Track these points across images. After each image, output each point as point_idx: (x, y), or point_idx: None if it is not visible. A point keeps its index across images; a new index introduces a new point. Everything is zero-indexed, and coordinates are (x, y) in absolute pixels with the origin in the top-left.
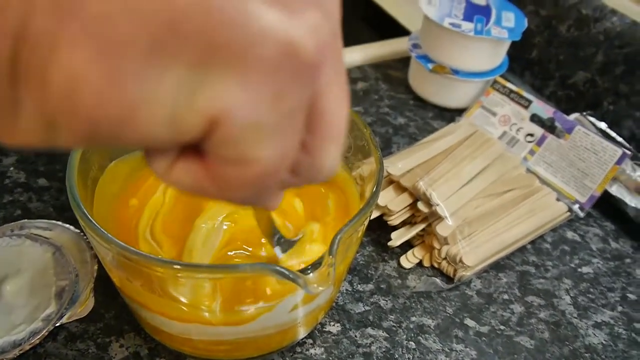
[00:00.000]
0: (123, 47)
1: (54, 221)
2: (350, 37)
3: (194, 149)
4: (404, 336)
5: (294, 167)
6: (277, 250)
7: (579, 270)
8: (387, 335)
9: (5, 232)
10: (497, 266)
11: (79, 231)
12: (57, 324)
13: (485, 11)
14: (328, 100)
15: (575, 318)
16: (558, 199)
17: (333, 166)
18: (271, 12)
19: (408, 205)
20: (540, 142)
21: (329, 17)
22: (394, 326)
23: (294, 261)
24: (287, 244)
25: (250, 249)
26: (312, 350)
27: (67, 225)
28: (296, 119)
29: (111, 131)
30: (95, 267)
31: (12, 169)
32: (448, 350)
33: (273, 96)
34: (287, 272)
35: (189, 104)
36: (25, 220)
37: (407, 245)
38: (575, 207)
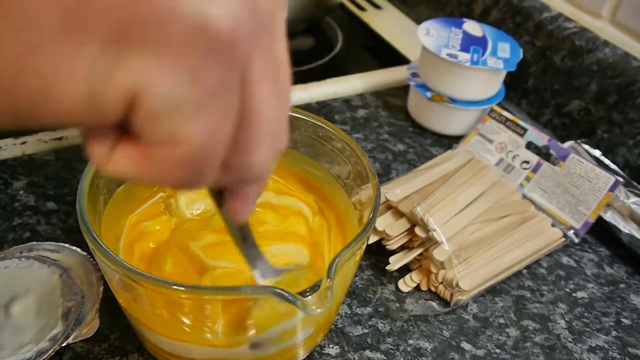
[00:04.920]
0: (35, 22)
1: (61, 244)
2: (352, 65)
3: (130, 137)
4: (402, 359)
5: (225, 163)
6: (257, 274)
7: (574, 295)
8: (385, 357)
9: (15, 254)
10: (493, 290)
11: (85, 253)
12: (63, 344)
13: (481, 42)
14: (259, 96)
15: (570, 342)
16: (553, 225)
17: (262, 165)
18: None
19: (406, 230)
20: (535, 169)
21: (252, 6)
22: (391, 349)
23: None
24: (270, 272)
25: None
26: None
27: (75, 248)
28: (221, 100)
29: (31, 106)
30: (101, 288)
31: (22, 192)
32: None
33: (189, 73)
34: (286, 294)
35: (106, 80)
36: (34, 242)
37: (405, 269)
38: (570, 232)
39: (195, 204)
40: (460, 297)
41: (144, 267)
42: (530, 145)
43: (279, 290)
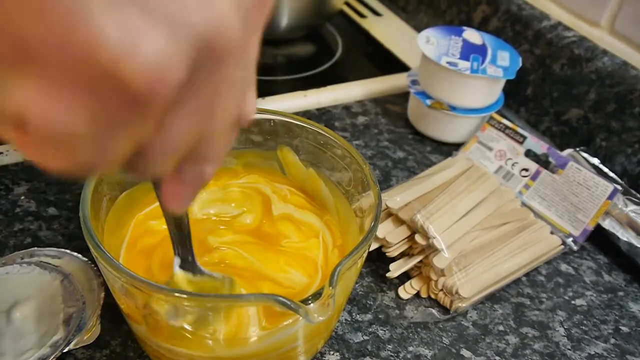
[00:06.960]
0: None
1: (62, 249)
2: (352, 72)
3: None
4: None
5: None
6: (176, 260)
7: (573, 302)
8: None
9: (16, 260)
10: (493, 298)
11: (86, 259)
12: (65, 350)
13: (481, 50)
14: (170, 124)
15: (569, 350)
16: (552, 233)
17: (161, 172)
18: (108, 24)
19: (406, 238)
20: (534, 177)
21: (181, 38)
22: (391, 356)
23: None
24: (191, 267)
25: None
26: None
27: (76, 254)
28: (123, 131)
29: None
30: (102, 294)
31: (23, 198)
32: None
33: (91, 113)
34: (288, 302)
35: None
36: (35, 248)
37: (405, 277)
38: (569, 240)
39: (210, 207)
40: (460, 305)
41: (143, 259)
42: (529, 153)
43: (281, 298)
